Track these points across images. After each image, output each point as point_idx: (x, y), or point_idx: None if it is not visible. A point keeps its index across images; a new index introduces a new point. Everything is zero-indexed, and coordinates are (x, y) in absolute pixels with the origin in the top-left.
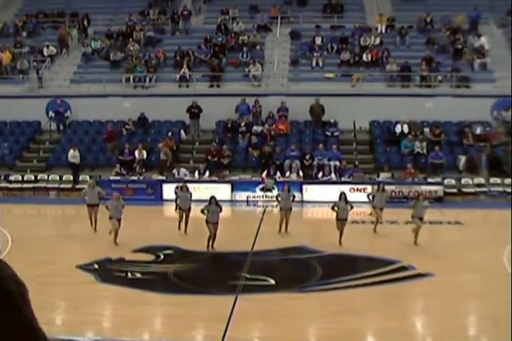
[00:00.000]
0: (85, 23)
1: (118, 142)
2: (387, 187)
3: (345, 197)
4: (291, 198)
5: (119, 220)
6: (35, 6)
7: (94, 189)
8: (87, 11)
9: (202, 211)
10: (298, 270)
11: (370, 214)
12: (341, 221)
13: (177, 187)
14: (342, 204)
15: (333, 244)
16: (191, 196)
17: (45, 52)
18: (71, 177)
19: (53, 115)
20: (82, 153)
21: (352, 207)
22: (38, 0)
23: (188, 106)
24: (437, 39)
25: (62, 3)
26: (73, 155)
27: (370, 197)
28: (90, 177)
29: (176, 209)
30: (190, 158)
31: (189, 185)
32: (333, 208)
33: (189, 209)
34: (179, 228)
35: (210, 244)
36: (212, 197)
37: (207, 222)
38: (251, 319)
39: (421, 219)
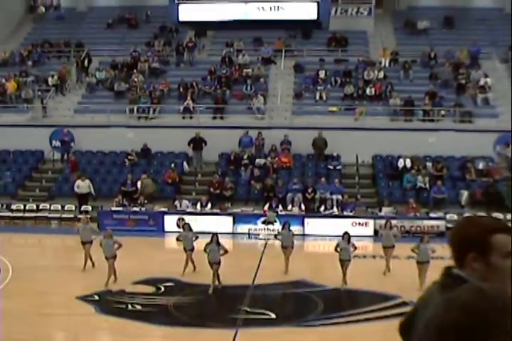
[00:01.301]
0: (86, 62)
1: (81, 172)
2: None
3: (349, 237)
4: (292, 235)
5: (113, 258)
6: (40, 36)
7: (87, 225)
8: (92, 41)
9: (205, 250)
10: (298, 304)
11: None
12: (345, 262)
13: (179, 219)
14: (344, 245)
15: (334, 279)
16: (195, 237)
17: (50, 81)
18: (73, 207)
19: (58, 144)
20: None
21: (355, 248)
22: (44, 30)
23: (191, 137)
24: (440, 73)
25: (68, 33)
26: (78, 185)
27: (380, 236)
28: (92, 207)
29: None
30: (193, 189)
31: (191, 217)
32: (336, 249)
33: (192, 249)
34: (194, 269)
35: (216, 283)
36: (214, 235)
37: (209, 262)
38: None
39: (425, 263)
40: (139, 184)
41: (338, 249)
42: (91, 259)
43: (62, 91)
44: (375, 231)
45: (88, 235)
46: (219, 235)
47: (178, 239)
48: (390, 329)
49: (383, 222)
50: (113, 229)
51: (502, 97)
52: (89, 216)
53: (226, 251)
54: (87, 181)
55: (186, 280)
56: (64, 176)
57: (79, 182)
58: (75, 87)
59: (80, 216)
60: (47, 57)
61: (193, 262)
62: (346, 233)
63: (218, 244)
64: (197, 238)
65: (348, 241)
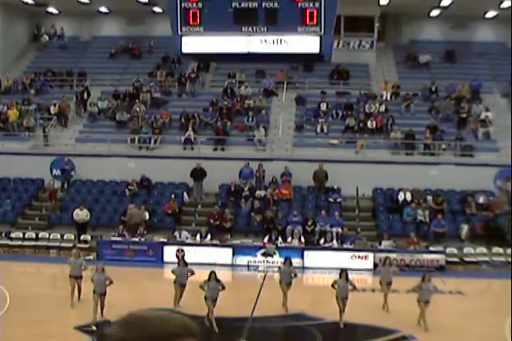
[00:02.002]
0: (85, 95)
1: (57, 202)
2: (388, 255)
3: (347, 274)
4: (292, 274)
5: (103, 294)
6: (43, 64)
7: (78, 259)
8: (95, 71)
9: (201, 287)
10: (297, 337)
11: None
12: (341, 299)
13: (178, 250)
14: (342, 283)
15: (333, 312)
16: (190, 272)
17: (52, 110)
18: (72, 237)
19: (59, 173)
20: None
21: (355, 288)
22: (47, 58)
23: (192, 168)
24: (441, 107)
25: (71, 62)
26: (77, 213)
27: (378, 272)
28: (92, 237)
29: (174, 282)
30: (193, 220)
31: (190, 248)
32: (333, 286)
33: (185, 285)
34: (174, 305)
35: (210, 321)
36: (212, 273)
37: (205, 298)
38: None
39: (427, 302)
40: None
41: (336, 286)
42: (79, 292)
43: (62, 124)
44: (375, 265)
45: (78, 269)
46: (218, 267)
47: (172, 272)
48: None
49: (383, 256)
50: (112, 259)
51: (503, 131)
52: (86, 246)
53: (223, 287)
54: (86, 210)
55: (185, 311)
56: (64, 205)
57: (77, 211)
58: (75, 120)
59: (78, 245)
60: (49, 86)
61: (180, 296)
62: (344, 270)
63: (217, 280)
64: (192, 274)
65: (346, 279)
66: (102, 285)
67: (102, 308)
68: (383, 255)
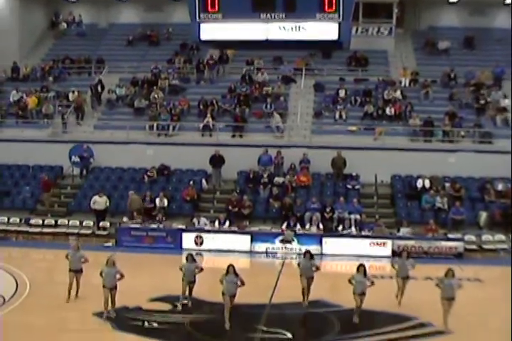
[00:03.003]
0: (99, 88)
1: (52, 193)
2: (407, 242)
3: (365, 270)
4: (313, 268)
5: (113, 289)
6: (62, 52)
7: (78, 252)
8: (113, 58)
9: (221, 281)
10: (315, 324)
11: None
12: (358, 295)
13: (197, 237)
14: (359, 278)
15: (351, 299)
16: (198, 269)
17: (71, 97)
18: (91, 223)
19: (77, 160)
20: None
21: (372, 283)
22: (65, 46)
23: (210, 155)
24: (460, 94)
25: (89, 49)
26: (95, 201)
27: (394, 265)
28: (110, 224)
29: (182, 279)
30: (211, 207)
31: (208, 235)
32: (350, 281)
33: (193, 281)
34: (182, 297)
35: (227, 318)
36: (231, 266)
37: (223, 293)
38: None
39: (450, 299)
40: (157, 201)
41: (353, 282)
42: (77, 288)
43: (79, 118)
44: (393, 252)
45: (77, 263)
46: (236, 254)
47: (180, 269)
48: None
49: (401, 243)
50: (131, 246)
51: None
52: (105, 233)
53: (243, 283)
54: (105, 197)
55: (203, 298)
56: (83, 192)
57: (96, 198)
58: (92, 115)
59: (97, 232)
60: (68, 73)
61: (190, 294)
62: (362, 265)
63: (236, 274)
64: (201, 271)
65: (364, 274)
66: (113, 278)
67: (113, 303)
68: (402, 242)
